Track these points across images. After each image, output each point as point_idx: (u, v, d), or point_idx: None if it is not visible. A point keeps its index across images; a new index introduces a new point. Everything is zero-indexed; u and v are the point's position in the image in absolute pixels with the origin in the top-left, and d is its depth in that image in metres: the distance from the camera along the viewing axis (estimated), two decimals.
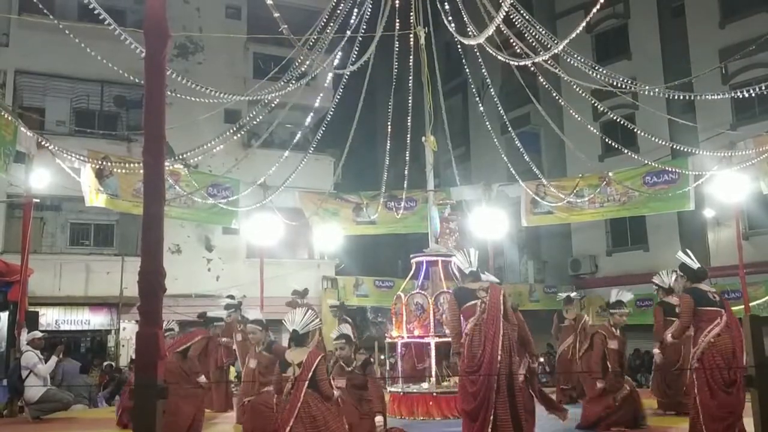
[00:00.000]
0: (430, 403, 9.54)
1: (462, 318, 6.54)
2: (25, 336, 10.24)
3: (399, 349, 10.59)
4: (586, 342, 10.42)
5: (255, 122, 12.73)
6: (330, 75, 13.31)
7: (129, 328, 17.32)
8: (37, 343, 10.04)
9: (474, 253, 6.76)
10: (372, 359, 8.66)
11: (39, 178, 11.32)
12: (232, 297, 11.50)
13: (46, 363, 9.97)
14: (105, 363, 16.13)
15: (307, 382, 5.84)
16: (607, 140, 14.11)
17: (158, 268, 2.92)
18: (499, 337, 6.19)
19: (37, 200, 12.23)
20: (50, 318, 17.00)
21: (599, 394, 7.77)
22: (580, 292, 12.47)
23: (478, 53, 11.83)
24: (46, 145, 11.06)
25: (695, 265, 6.74)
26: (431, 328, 10.06)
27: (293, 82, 11.47)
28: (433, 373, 9.81)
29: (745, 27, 18.81)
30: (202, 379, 7.57)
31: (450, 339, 9.99)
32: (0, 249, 16.40)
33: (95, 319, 17.77)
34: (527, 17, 10.26)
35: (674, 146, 14.28)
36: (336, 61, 12.05)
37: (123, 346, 17.40)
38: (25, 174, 11.46)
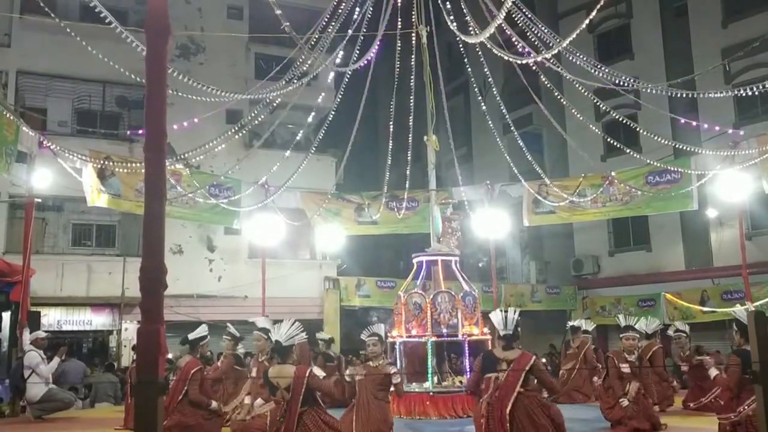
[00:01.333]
0: (427, 402, 9.57)
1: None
2: (27, 336, 10.24)
3: (398, 349, 10.62)
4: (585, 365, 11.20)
5: (256, 122, 12.73)
6: (331, 75, 13.31)
7: (131, 329, 17.31)
8: (40, 343, 10.04)
9: (513, 314, 6.38)
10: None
11: (41, 178, 11.32)
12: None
13: (48, 363, 9.97)
14: (106, 363, 16.13)
15: (300, 402, 5.68)
16: (609, 140, 14.10)
17: (159, 264, 2.90)
18: (506, 420, 5.89)
19: (39, 200, 12.24)
20: (52, 318, 16.98)
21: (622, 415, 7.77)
22: (586, 321, 12.68)
23: (480, 52, 11.83)
24: (47, 144, 11.06)
25: None
26: (429, 328, 10.07)
27: (295, 81, 11.47)
28: (430, 373, 9.85)
29: (748, 27, 18.78)
30: (214, 405, 7.52)
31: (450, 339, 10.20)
32: (2, 249, 16.40)
33: (97, 320, 17.75)
34: (529, 16, 10.25)
35: (677, 146, 14.26)
36: (337, 61, 12.04)
37: (125, 346, 17.38)
38: (27, 174, 11.46)
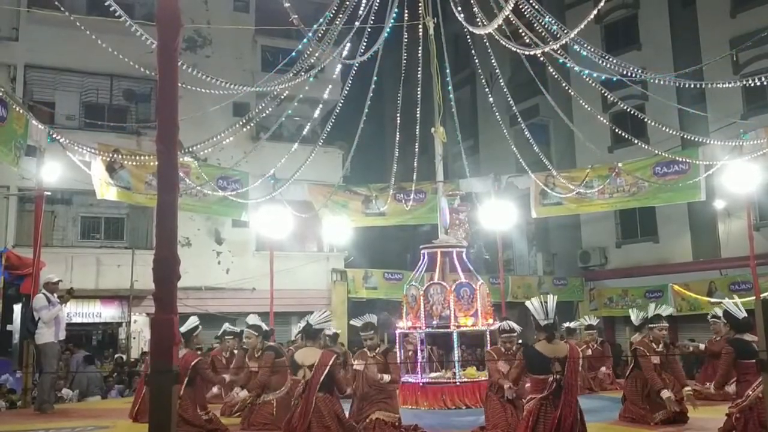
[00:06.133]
0: (419, 392, 9.72)
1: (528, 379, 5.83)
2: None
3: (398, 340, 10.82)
4: None
5: (263, 115, 12.76)
6: (338, 67, 13.30)
7: (140, 321, 17.44)
8: (51, 287, 10.01)
9: (552, 301, 5.85)
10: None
11: (50, 172, 11.37)
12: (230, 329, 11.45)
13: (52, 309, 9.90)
14: (116, 355, 16.26)
15: (319, 386, 5.76)
16: (616, 131, 14.05)
17: (172, 255, 2.95)
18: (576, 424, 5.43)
19: (49, 193, 12.29)
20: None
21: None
22: (589, 315, 12.79)
23: (487, 43, 11.81)
24: (56, 137, 11.12)
25: (741, 314, 6.38)
26: (422, 319, 10.22)
27: (302, 74, 11.48)
28: (419, 364, 9.99)
29: (757, 16, 18.65)
30: (227, 377, 7.76)
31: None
32: (12, 242, 16.49)
33: (106, 312, 17.86)
34: (536, 6, 10.22)
35: (684, 136, 14.21)
36: (345, 53, 12.04)
37: (134, 338, 17.50)
38: (36, 167, 11.51)
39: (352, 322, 7.81)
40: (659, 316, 8.16)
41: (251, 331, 8.26)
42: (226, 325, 11.15)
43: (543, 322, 5.71)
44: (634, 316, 8.67)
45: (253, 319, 8.56)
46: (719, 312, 10.39)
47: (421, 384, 9.78)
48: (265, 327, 8.80)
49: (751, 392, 6.00)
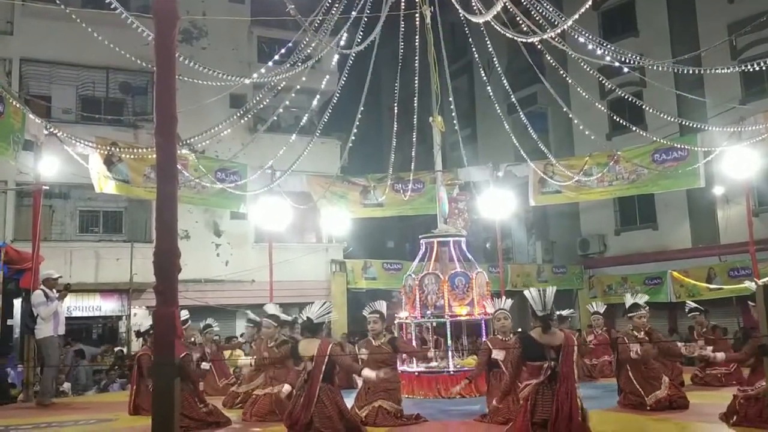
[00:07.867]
0: (414, 382, 9.78)
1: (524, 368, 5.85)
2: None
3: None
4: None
5: (261, 106, 12.71)
6: (335, 57, 13.26)
7: (140, 314, 17.39)
8: (50, 283, 9.99)
9: (551, 293, 5.84)
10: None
11: (48, 166, 11.34)
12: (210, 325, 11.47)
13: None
14: (117, 348, 16.27)
15: (321, 376, 5.80)
16: (615, 118, 14.03)
17: (173, 247, 2.94)
18: (576, 414, 5.43)
19: (47, 187, 12.27)
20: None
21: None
22: (596, 303, 12.75)
23: (484, 32, 11.76)
24: (54, 131, 11.08)
25: None
26: (417, 309, 10.30)
27: (299, 64, 11.43)
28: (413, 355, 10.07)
29: (754, 1, 18.56)
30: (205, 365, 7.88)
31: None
32: (11, 237, 16.47)
33: (106, 306, 17.88)
34: None
35: (683, 123, 14.19)
36: (342, 43, 11.99)
37: (134, 331, 17.52)
38: (34, 162, 11.48)
39: (364, 313, 8.07)
40: (637, 305, 8.28)
41: (270, 321, 8.31)
42: (209, 320, 11.37)
43: (540, 312, 5.73)
44: (628, 303, 8.70)
45: (271, 309, 8.59)
46: (692, 305, 10.45)
47: (416, 373, 9.82)
48: (286, 317, 8.88)
49: (762, 384, 6.09)
